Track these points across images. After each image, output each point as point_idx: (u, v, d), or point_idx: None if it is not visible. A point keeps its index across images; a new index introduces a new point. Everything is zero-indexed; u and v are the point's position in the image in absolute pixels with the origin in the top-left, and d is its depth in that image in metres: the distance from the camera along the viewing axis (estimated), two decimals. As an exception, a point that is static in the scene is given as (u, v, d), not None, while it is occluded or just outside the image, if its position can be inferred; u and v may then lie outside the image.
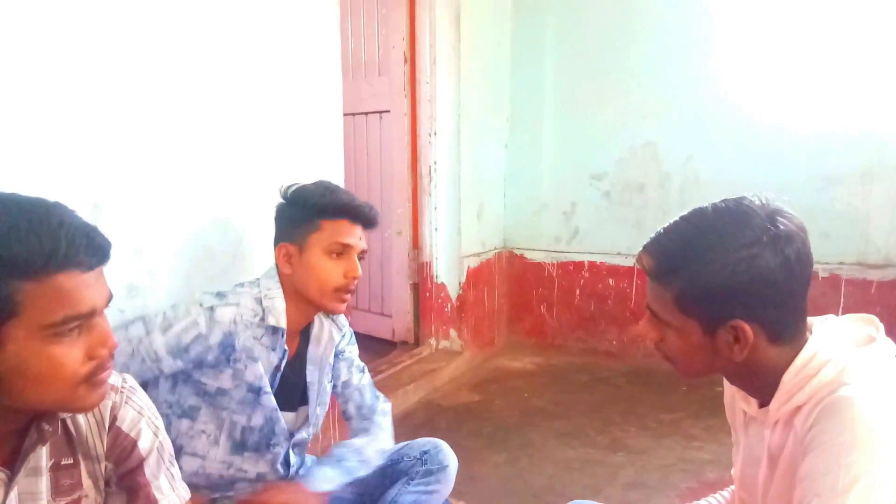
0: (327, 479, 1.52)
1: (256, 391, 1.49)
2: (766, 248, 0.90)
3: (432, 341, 3.62)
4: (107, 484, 1.06)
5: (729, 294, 0.92)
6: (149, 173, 1.69)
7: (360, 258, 1.52)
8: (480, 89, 3.67)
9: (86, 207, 1.52)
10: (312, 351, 1.62)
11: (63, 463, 0.99)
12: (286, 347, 1.51)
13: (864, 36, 3.10)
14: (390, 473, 1.72)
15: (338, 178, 2.44)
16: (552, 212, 3.96)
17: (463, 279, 3.68)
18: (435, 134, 3.41)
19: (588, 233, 3.87)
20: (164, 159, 1.73)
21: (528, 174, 4.00)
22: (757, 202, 0.94)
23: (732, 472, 1.29)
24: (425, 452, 1.72)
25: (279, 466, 1.56)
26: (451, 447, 1.77)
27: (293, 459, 1.60)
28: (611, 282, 3.81)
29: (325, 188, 1.52)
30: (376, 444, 1.66)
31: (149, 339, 1.40)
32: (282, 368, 1.52)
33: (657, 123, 3.61)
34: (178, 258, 1.77)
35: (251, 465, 1.53)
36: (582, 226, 3.89)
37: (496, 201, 4.00)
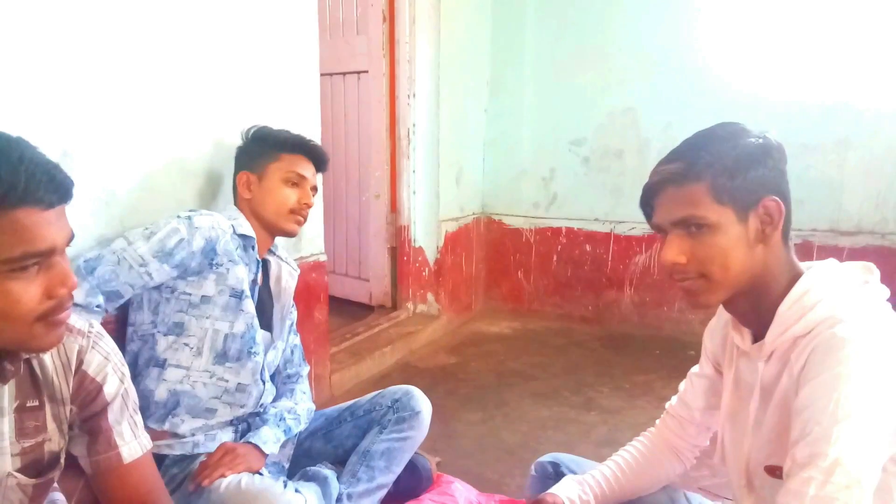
0: (272, 439, 1.57)
1: (239, 295, 1.56)
2: (773, 144, 1.01)
3: (410, 305, 3.62)
4: (70, 427, 1.05)
5: (759, 171, 0.99)
6: (120, 123, 1.66)
7: (314, 193, 1.70)
8: (460, 52, 3.63)
9: (54, 155, 1.46)
10: (274, 286, 1.73)
11: (28, 405, 0.99)
12: (258, 258, 1.63)
13: (841, 7, 3.10)
14: (363, 424, 1.72)
15: (315, 140, 2.40)
16: (531, 177, 3.96)
17: (441, 244, 3.68)
18: (414, 95, 3.37)
19: (566, 199, 3.88)
20: (137, 111, 1.70)
21: (507, 139, 3.98)
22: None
23: (672, 402, 1.36)
24: (397, 400, 1.73)
25: (259, 377, 1.61)
26: (422, 392, 1.79)
27: (266, 376, 1.65)
28: (588, 248, 3.83)
29: (285, 130, 1.73)
30: (304, 405, 1.75)
31: (132, 247, 1.45)
32: (258, 282, 1.63)
33: (637, 89, 3.61)
34: (149, 210, 1.73)
35: (232, 376, 1.58)
36: (560, 192, 3.90)
37: (475, 166, 3.99)
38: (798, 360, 0.96)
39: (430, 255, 3.65)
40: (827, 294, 0.98)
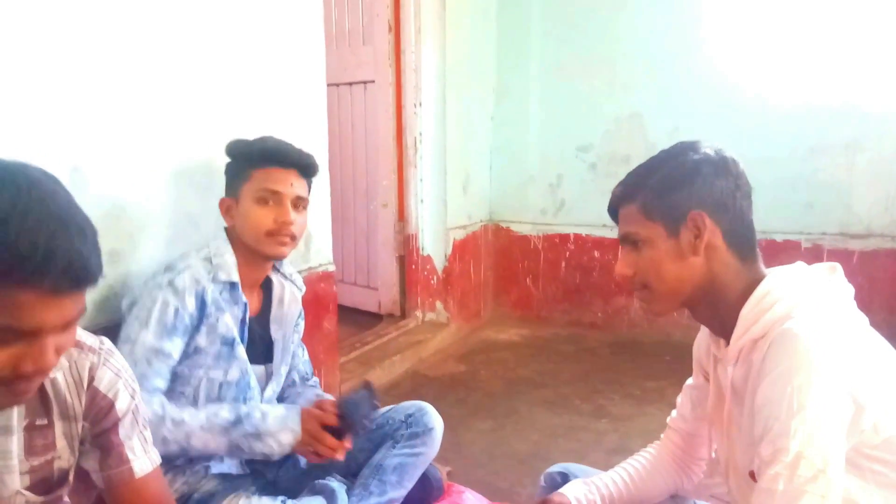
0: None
1: (230, 343, 1.52)
2: (709, 161, 1.07)
3: (418, 313, 3.62)
4: (81, 443, 1.05)
5: (682, 189, 1.05)
6: (130, 137, 1.67)
7: (299, 206, 1.54)
8: (466, 59, 3.64)
9: (64, 171, 1.50)
10: (276, 310, 1.66)
11: (37, 423, 0.99)
12: (245, 300, 1.55)
13: (848, 9, 3.09)
14: (375, 437, 1.72)
15: (322, 150, 2.41)
16: (538, 184, 3.96)
17: (449, 251, 3.68)
18: (420, 104, 3.38)
19: (574, 205, 3.87)
20: (146, 125, 1.71)
21: (514, 146, 3.98)
22: (703, 142, 1.10)
23: (672, 415, 1.37)
24: (410, 416, 1.72)
25: None
26: (434, 409, 1.77)
27: None
28: (596, 254, 3.82)
29: (257, 138, 1.54)
30: None
31: (140, 343, 1.40)
32: (247, 322, 1.56)
33: (643, 95, 3.60)
34: (159, 224, 1.75)
35: None
36: (568, 198, 3.89)
37: (482, 173, 3.99)
38: (758, 360, 0.99)
39: (439, 263, 3.66)
40: (785, 294, 1.00)
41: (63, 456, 1.03)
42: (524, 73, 3.87)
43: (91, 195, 1.54)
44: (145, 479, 1.09)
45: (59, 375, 1.00)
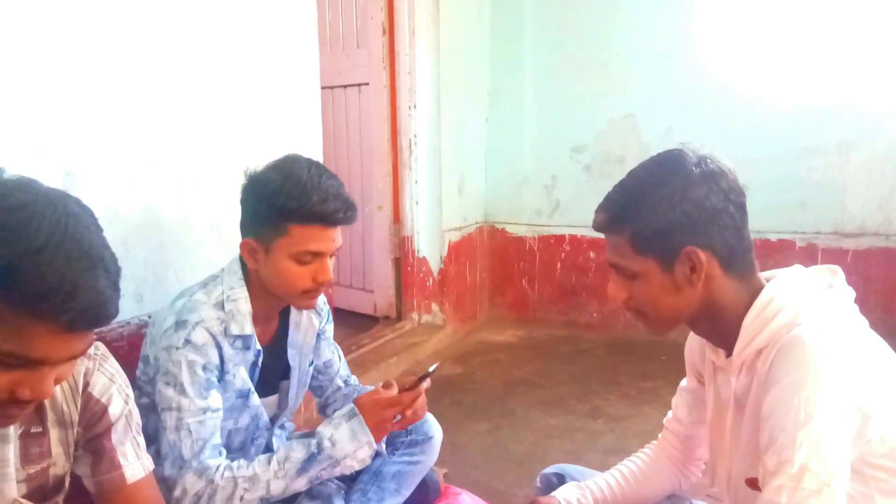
0: None
1: (245, 395, 1.48)
2: (697, 180, 0.99)
3: (414, 316, 3.62)
4: (74, 448, 1.05)
5: (673, 223, 0.99)
6: (123, 141, 1.67)
7: (335, 254, 1.46)
8: (460, 62, 3.64)
9: (57, 175, 1.49)
10: (293, 336, 1.58)
11: (32, 431, 0.99)
12: (259, 347, 1.47)
13: (840, 9, 3.11)
14: (374, 443, 1.71)
15: (316, 153, 2.41)
16: (533, 185, 3.96)
17: (444, 253, 3.68)
18: (415, 107, 3.38)
19: (569, 206, 3.87)
20: (139, 129, 1.70)
21: (508, 148, 3.99)
22: (688, 150, 1.04)
23: (668, 416, 1.36)
24: None
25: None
26: (434, 417, 1.77)
27: (275, 445, 1.60)
28: (591, 255, 3.82)
29: (294, 184, 1.34)
30: None
31: (186, 409, 1.34)
32: (259, 364, 1.49)
33: (637, 96, 3.61)
34: (153, 228, 1.75)
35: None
36: (563, 199, 3.90)
37: (477, 175, 3.99)
38: (764, 366, 0.97)
39: (434, 264, 3.66)
40: (789, 301, 0.98)
41: (58, 463, 1.03)
42: (518, 74, 3.87)
43: (84, 199, 1.52)
44: (137, 485, 1.09)
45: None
